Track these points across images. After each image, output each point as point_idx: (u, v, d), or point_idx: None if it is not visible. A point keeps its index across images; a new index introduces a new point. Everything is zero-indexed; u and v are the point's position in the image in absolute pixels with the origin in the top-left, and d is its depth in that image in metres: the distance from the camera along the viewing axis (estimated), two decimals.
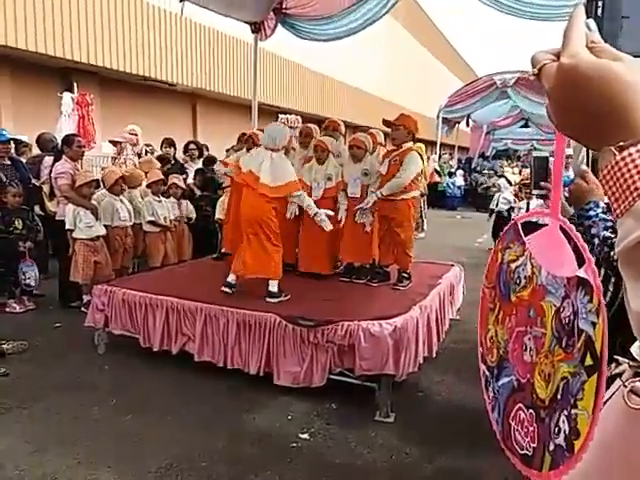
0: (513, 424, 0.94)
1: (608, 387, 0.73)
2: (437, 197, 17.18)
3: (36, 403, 3.44)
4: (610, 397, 0.72)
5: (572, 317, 0.78)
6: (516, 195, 8.92)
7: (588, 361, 0.72)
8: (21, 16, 8.74)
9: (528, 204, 7.80)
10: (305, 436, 3.16)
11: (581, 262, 0.76)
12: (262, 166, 4.02)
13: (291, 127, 5.18)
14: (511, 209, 8.66)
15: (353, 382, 3.52)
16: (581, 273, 0.76)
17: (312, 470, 2.83)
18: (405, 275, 4.47)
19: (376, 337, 3.34)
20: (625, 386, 0.67)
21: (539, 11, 4.69)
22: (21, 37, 8.80)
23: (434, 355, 4.07)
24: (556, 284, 0.83)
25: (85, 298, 5.07)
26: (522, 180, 9.11)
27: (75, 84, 7.92)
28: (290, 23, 6.14)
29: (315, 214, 4.12)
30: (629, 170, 0.51)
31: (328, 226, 4.12)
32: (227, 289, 4.15)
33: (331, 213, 4.24)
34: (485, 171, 17.57)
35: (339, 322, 3.44)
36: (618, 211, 0.53)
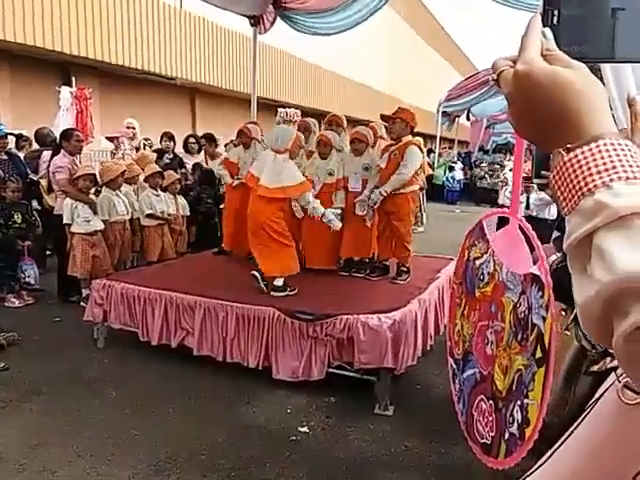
0: (476, 415, 0.96)
1: (604, 380, 0.74)
2: (436, 191, 17.16)
3: (36, 397, 3.45)
4: (605, 391, 0.73)
5: (527, 312, 0.80)
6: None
7: (538, 353, 0.74)
8: (19, 10, 8.71)
9: (528, 198, 7.78)
10: (304, 429, 3.17)
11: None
12: (264, 168, 4.01)
13: (290, 121, 5.19)
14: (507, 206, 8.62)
15: (352, 375, 3.53)
16: (534, 270, 0.77)
17: (312, 463, 2.85)
18: (404, 269, 4.47)
19: (375, 331, 3.35)
20: (619, 381, 0.67)
21: (539, 3, 4.67)
22: (19, 31, 8.76)
23: (432, 348, 4.08)
24: (515, 280, 0.86)
25: (84, 292, 5.08)
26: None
27: (73, 78, 7.90)
28: (289, 17, 6.11)
29: (322, 215, 4.08)
30: (574, 171, 0.54)
31: (337, 225, 4.11)
32: (257, 274, 4.05)
33: (337, 212, 4.21)
34: (484, 165, 17.52)
35: (338, 316, 3.44)
36: (566, 210, 0.55)
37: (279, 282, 4.02)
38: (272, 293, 3.98)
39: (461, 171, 17.64)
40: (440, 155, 18.91)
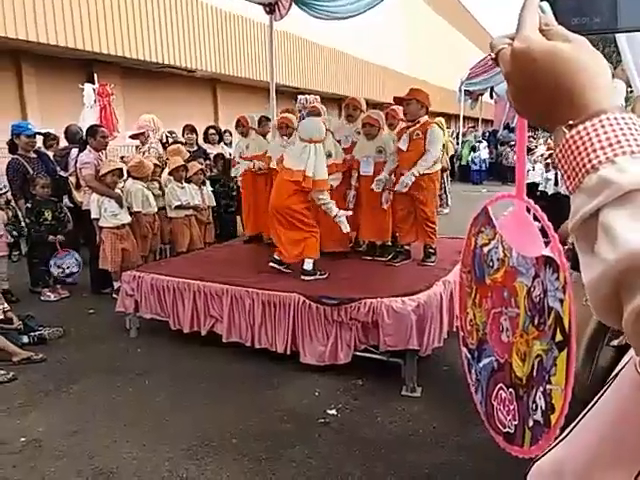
0: (495, 404, 0.95)
1: (622, 355, 0.74)
2: (462, 171, 16.91)
3: (73, 386, 3.58)
4: (624, 366, 0.73)
5: (542, 295, 0.78)
6: (547, 165, 8.66)
7: (558, 337, 0.73)
8: (40, 11, 8.87)
9: (556, 174, 7.61)
10: (333, 412, 3.22)
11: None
12: (311, 162, 4.01)
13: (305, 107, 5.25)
14: (536, 184, 8.42)
15: (378, 358, 3.56)
16: (547, 252, 0.76)
17: (340, 444, 2.89)
18: (431, 251, 4.45)
19: (399, 313, 3.36)
20: (638, 354, 0.67)
21: None
22: (42, 31, 8.93)
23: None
24: (526, 264, 0.84)
25: (116, 285, 5.21)
26: (549, 148, 8.86)
27: (95, 75, 8.02)
28: (304, 1, 6.07)
29: (335, 216, 4.13)
30: (577, 148, 0.52)
31: (346, 228, 4.16)
32: (275, 265, 4.21)
33: (348, 213, 4.25)
34: (512, 142, 17.14)
35: (362, 300, 3.46)
36: (570, 188, 0.54)
37: (309, 265, 4.09)
38: (302, 277, 4.05)
39: (486, 150, 17.33)
40: (464, 135, 18.61)
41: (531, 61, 0.55)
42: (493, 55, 0.61)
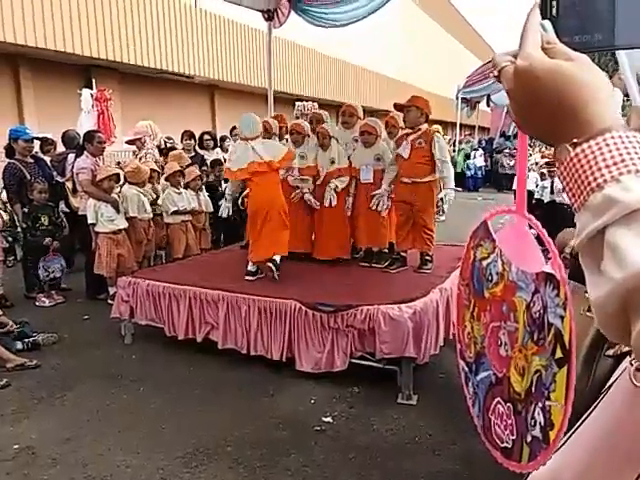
0: (493, 418, 0.95)
1: (618, 365, 0.74)
2: (457, 179, 16.94)
3: (67, 393, 3.55)
4: (619, 375, 0.73)
5: (542, 311, 0.78)
6: (542, 174, 8.68)
7: (558, 353, 0.73)
8: (39, 16, 8.88)
9: (552, 182, 7.64)
10: (328, 419, 3.20)
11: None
12: (259, 152, 4.16)
13: (305, 114, 5.24)
14: (531, 192, 8.43)
15: (374, 366, 3.54)
16: (547, 268, 0.76)
17: (336, 452, 2.87)
18: (428, 258, 4.45)
19: (396, 321, 3.35)
20: (632, 364, 0.67)
21: None
22: (40, 36, 8.94)
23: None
24: (526, 279, 0.84)
25: (111, 290, 5.18)
26: (543, 157, 8.89)
27: (94, 80, 8.02)
28: (302, 9, 6.09)
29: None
30: (582, 166, 0.52)
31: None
32: (250, 277, 4.22)
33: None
34: (507, 150, 17.24)
35: (358, 307, 3.46)
36: (575, 206, 0.54)
37: (278, 258, 4.22)
38: (269, 264, 4.18)
39: (481, 157, 17.39)
40: (460, 142, 18.68)
41: (534, 79, 0.55)
42: (496, 73, 0.61)
